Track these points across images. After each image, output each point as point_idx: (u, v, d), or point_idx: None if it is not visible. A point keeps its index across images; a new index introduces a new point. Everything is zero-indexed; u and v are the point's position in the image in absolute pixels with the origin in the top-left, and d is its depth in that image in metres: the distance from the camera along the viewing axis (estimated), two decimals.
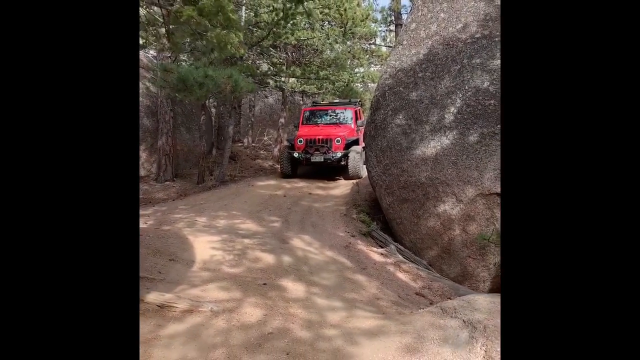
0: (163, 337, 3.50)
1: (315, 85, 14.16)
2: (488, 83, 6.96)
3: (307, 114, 13.23)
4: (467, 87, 7.12)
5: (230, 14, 4.50)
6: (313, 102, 14.81)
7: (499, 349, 3.19)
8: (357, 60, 19.17)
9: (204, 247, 6.08)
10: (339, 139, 11.54)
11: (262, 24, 10.85)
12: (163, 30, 5.47)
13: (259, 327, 3.79)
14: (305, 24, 11.80)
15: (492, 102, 6.89)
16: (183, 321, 3.77)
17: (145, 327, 3.60)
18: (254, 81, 11.30)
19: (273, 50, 13.29)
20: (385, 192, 8.10)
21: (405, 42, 8.23)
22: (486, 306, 3.82)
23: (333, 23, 12.54)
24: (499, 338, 3.30)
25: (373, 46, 25.86)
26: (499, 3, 7.31)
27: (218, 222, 7.65)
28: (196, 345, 3.42)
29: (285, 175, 12.01)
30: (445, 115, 7.24)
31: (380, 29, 18.95)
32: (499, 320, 3.50)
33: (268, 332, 3.71)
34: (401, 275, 6.46)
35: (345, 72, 13.72)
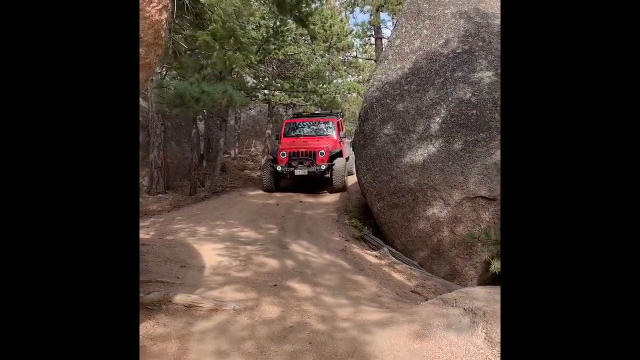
0: (195, 333, 3.84)
1: (302, 98, 14.59)
2: (470, 94, 7.50)
3: (289, 126, 13.08)
4: (450, 99, 7.65)
5: (241, 38, 4.89)
6: (294, 114, 14.60)
7: (498, 331, 3.64)
8: (335, 72, 19.75)
9: (210, 254, 6.41)
10: (322, 151, 11.50)
11: (250, 40, 11.28)
12: (170, 51, 5.82)
13: (279, 322, 4.17)
14: (291, 40, 12.26)
15: (474, 112, 7.43)
16: (210, 319, 4.12)
17: (177, 324, 3.94)
18: (245, 95, 11.70)
19: (261, 65, 13.72)
20: (375, 198, 8.55)
21: (390, 57, 8.74)
22: (483, 295, 4.28)
23: (318, 38, 12.96)
24: (498, 321, 3.75)
25: (351, 57, 26.57)
26: (478, 20, 7.89)
27: (218, 231, 7.97)
28: (227, 339, 3.77)
29: (267, 190, 11.81)
30: (431, 125, 7.75)
31: (357, 42, 19.59)
32: (496, 307, 3.95)
33: (289, 325, 4.09)
34: (396, 275, 6.90)
35: (331, 85, 14.18)
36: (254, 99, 14.06)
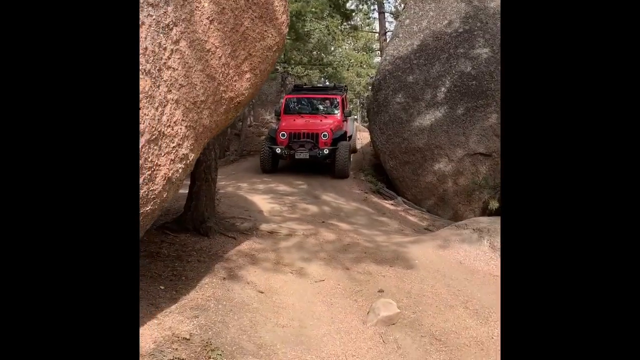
0: (282, 248, 5.35)
1: (318, 70, 15.67)
2: (470, 68, 8.94)
3: (290, 101, 11.83)
4: (454, 72, 9.08)
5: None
6: (295, 87, 13.29)
7: (498, 241, 5.20)
8: (334, 40, 20.74)
9: (262, 202, 7.88)
10: (325, 133, 10.28)
11: None
12: None
13: (338, 242, 5.70)
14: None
15: (473, 82, 8.88)
16: (288, 240, 5.63)
17: (267, 243, 5.43)
18: None
19: None
20: (388, 157, 10.04)
21: (401, 35, 10.10)
22: (486, 221, 5.85)
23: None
24: (498, 236, 5.31)
25: (348, 26, 27.51)
26: (477, 4, 9.25)
27: (258, 186, 9.43)
28: (305, 251, 5.29)
29: (265, 171, 10.72)
30: (437, 94, 9.20)
31: (363, 8, 20.45)
32: (496, 226, 5.51)
33: (346, 243, 5.63)
34: (411, 218, 8.48)
35: (335, 55, 15.07)
36: (274, 72, 15.19)
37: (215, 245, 5.07)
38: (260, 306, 3.86)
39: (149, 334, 3.08)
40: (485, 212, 8.28)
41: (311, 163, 10.67)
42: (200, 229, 5.33)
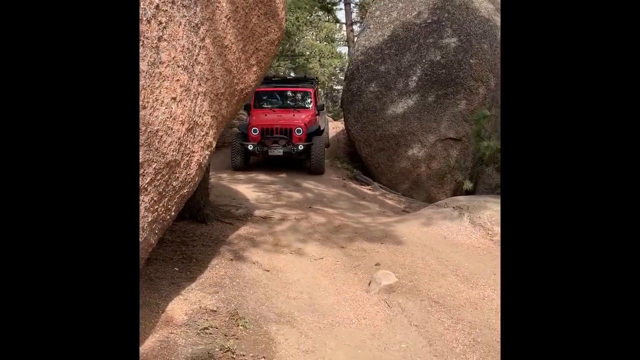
0: (277, 232, 5.65)
1: (289, 60, 15.87)
2: (440, 57, 9.41)
3: (260, 95, 11.17)
4: (424, 61, 9.54)
5: None
6: (264, 78, 11.78)
7: (477, 216, 5.67)
8: (300, 32, 21.04)
9: (247, 191, 8.13)
10: (299, 128, 9.89)
11: None
12: None
13: (329, 224, 6.05)
14: None
15: (443, 71, 9.37)
16: (282, 224, 5.93)
17: (263, 227, 5.72)
18: None
19: None
20: (364, 144, 10.44)
21: (372, 26, 10.48)
22: (464, 199, 6.32)
23: None
24: (476, 212, 5.78)
25: (309, 17, 27.72)
26: None
27: (238, 176, 9.64)
28: (300, 233, 5.61)
29: (236, 169, 10.16)
30: (409, 83, 9.64)
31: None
32: (474, 204, 5.98)
33: (336, 225, 5.98)
34: (389, 201, 8.92)
35: (299, 44, 15.23)
36: None
37: (215, 230, 5.33)
38: (269, 282, 4.17)
39: (179, 308, 3.35)
40: (457, 193, 8.80)
41: (284, 160, 10.30)
42: (198, 217, 5.56)
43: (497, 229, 5.45)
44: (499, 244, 5.27)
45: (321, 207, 7.30)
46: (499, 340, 3.24)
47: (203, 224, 5.49)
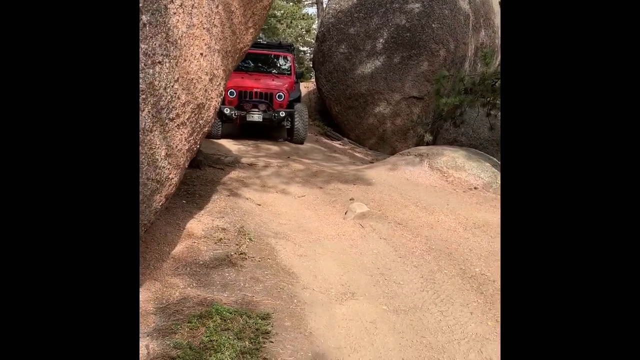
0: (263, 176, 6.44)
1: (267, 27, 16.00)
2: (405, 21, 10.18)
3: None
4: (390, 24, 10.28)
5: None
6: None
7: (436, 162, 6.62)
8: None
9: (228, 144, 8.81)
10: (281, 94, 9.28)
11: None
12: None
13: (307, 170, 6.87)
14: None
15: (408, 34, 10.15)
16: (266, 170, 6.72)
17: (250, 173, 6.49)
18: None
19: None
20: (334, 102, 11.21)
21: None
22: (425, 149, 7.26)
23: None
24: (435, 158, 6.72)
25: None
26: None
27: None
28: (284, 177, 6.42)
29: (212, 137, 8.88)
30: (377, 45, 10.39)
31: None
32: (433, 152, 6.92)
33: (314, 171, 6.82)
34: (357, 154, 9.81)
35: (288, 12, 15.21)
36: None
37: (209, 174, 6.07)
38: (262, 212, 4.99)
39: (196, 227, 4.15)
40: (419, 146, 9.76)
41: (261, 127, 9.63)
42: (192, 162, 6.28)
43: (452, 172, 6.43)
44: (453, 183, 6.29)
45: (298, 158, 8.10)
46: (449, 248, 4.21)
47: (197, 169, 6.21)
